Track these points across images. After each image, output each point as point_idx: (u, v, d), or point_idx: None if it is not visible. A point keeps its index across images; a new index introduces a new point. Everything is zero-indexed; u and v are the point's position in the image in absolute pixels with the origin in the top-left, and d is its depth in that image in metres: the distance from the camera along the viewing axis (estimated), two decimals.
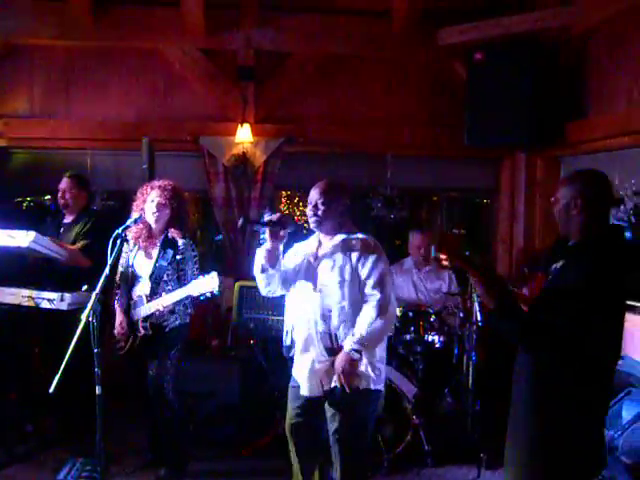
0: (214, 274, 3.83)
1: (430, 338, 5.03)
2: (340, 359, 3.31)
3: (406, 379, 4.76)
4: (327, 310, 3.40)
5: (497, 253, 6.63)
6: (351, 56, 6.35)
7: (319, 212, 3.43)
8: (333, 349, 3.38)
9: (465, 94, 5.89)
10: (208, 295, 3.87)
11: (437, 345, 5.04)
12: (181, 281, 4.17)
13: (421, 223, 7.39)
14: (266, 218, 3.37)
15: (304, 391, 3.48)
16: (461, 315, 5.02)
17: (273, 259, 3.41)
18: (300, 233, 3.70)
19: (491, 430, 4.59)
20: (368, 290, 3.40)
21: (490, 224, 6.97)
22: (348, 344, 3.31)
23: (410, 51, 6.22)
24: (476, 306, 4.73)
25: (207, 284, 3.83)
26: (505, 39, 5.64)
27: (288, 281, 3.56)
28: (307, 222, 3.57)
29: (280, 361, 5.00)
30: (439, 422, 4.87)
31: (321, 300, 3.41)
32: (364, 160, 6.54)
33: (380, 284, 3.39)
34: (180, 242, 4.22)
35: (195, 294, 3.90)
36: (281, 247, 3.44)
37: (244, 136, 6.00)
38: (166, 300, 4.03)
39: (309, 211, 3.47)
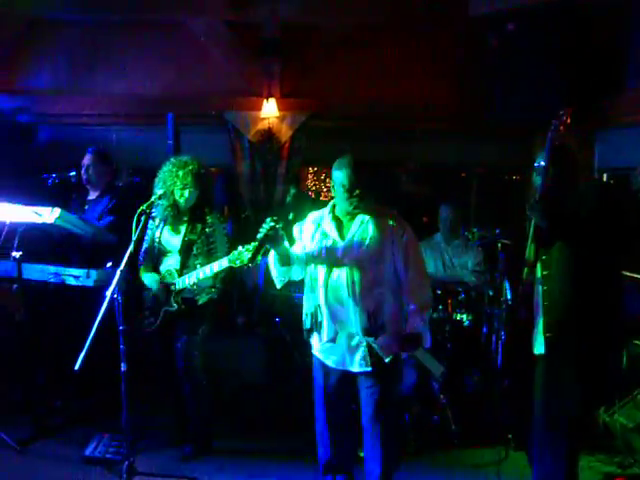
0: (254, 244, 3.75)
1: (458, 317, 4.95)
2: (410, 340, 3.37)
3: (434, 358, 4.69)
4: (364, 289, 3.35)
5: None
6: (378, 28, 6.21)
7: (354, 194, 3.34)
8: (371, 329, 3.35)
9: (496, 67, 5.73)
10: (249, 266, 3.79)
11: (465, 324, 4.96)
12: (212, 255, 4.10)
13: (450, 197, 7.24)
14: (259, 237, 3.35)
15: (354, 367, 3.43)
16: (490, 293, 4.93)
17: (286, 259, 3.46)
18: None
19: (519, 410, 4.53)
20: (405, 270, 3.39)
21: (520, 200, 6.82)
22: (415, 325, 3.35)
23: (439, 22, 6.07)
24: (506, 284, 4.64)
25: (247, 254, 3.74)
26: (537, 9, 5.45)
27: (307, 262, 3.52)
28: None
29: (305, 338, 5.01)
30: (466, 402, 4.81)
31: (356, 278, 3.36)
32: (391, 135, 6.43)
33: (416, 264, 3.43)
34: (208, 217, 4.17)
35: (236, 265, 3.80)
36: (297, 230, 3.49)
37: (270, 111, 5.93)
38: (206, 271, 3.96)
39: (343, 193, 3.36)
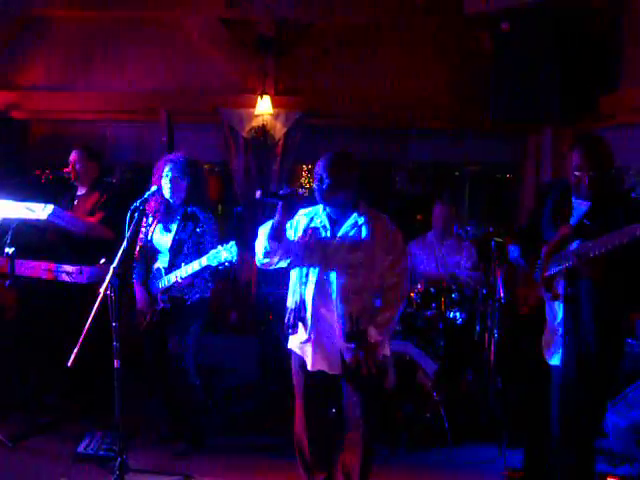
0: (232, 243, 3.77)
1: (451, 314, 4.96)
2: (366, 350, 3.28)
3: (427, 355, 4.70)
4: (348, 292, 3.32)
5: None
6: (373, 27, 6.20)
7: (324, 186, 3.32)
8: (353, 333, 3.30)
9: (491, 66, 5.73)
10: (227, 265, 3.81)
11: (458, 321, 4.98)
12: (201, 254, 4.11)
13: (445, 196, 7.26)
14: (282, 192, 3.30)
15: (326, 369, 3.40)
16: (484, 291, 4.94)
17: (280, 233, 3.34)
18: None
19: (512, 408, 4.54)
20: (391, 277, 3.36)
21: (514, 199, 6.84)
22: (374, 335, 3.28)
23: (434, 21, 6.07)
24: (499, 282, 4.65)
25: (226, 253, 3.77)
26: (533, 8, 5.45)
27: (291, 255, 3.46)
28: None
29: None
30: (459, 399, 4.82)
31: (347, 282, 3.32)
32: (386, 133, 6.43)
33: (404, 272, 3.40)
34: (200, 215, 4.17)
35: (213, 264, 3.84)
36: (288, 224, 3.41)
37: (264, 108, 5.92)
38: (184, 271, 3.99)
39: (315, 185, 3.37)
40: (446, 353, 4.92)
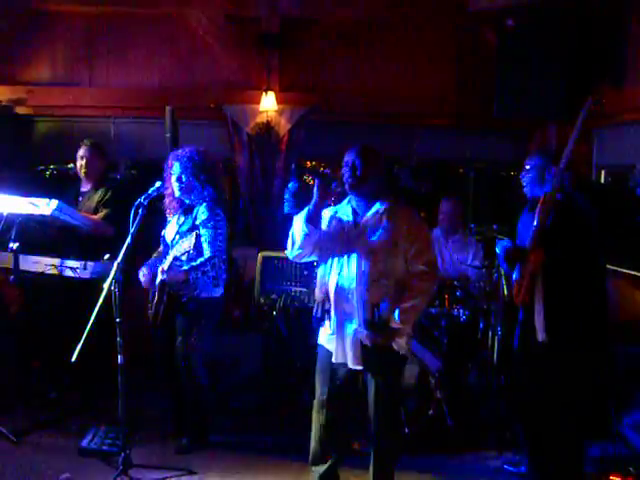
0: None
1: (455, 312, 4.95)
2: (385, 337, 3.31)
3: (430, 353, 4.70)
4: (372, 280, 3.32)
5: None
6: (378, 23, 6.19)
7: (358, 172, 3.34)
8: (373, 321, 3.30)
9: (495, 63, 5.72)
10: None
11: (462, 319, 4.96)
12: (198, 245, 4.03)
13: (450, 192, 7.25)
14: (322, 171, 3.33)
15: (349, 363, 3.39)
16: (487, 289, 4.93)
17: (316, 216, 3.36)
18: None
19: (515, 405, 4.54)
20: (418, 265, 3.35)
21: (518, 196, 6.81)
22: (394, 322, 3.28)
23: (439, 18, 6.06)
24: (502, 280, 4.64)
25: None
26: (537, 5, 5.44)
27: (320, 247, 3.46)
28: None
29: (302, 332, 5.01)
30: (462, 397, 4.82)
31: (365, 269, 3.32)
32: (390, 130, 6.42)
33: (431, 263, 3.39)
34: (199, 208, 4.14)
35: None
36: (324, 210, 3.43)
37: (268, 104, 5.91)
38: (177, 249, 3.93)
39: (346, 172, 3.37)
40: (449, 350, 4.91)
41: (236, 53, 6.11)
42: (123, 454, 3.77)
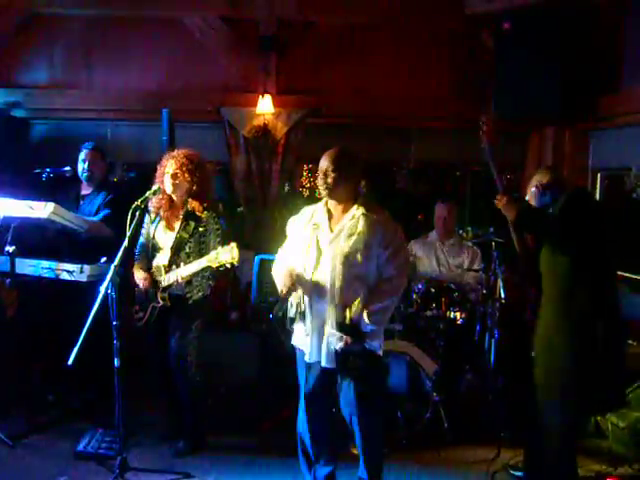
0: (233, 245, 3.75)
1: (452, 315, 4.95)
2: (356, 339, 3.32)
3: (427, 356, 4.70)
4: (346, 283, 3.34)
5: None
6: (375, 26, 6.20)
7: (329, 179, 3.38)
8: (344, 324, 3.33)
9: (492, 65, 5.73)
10: (228, 266, 3.80)
11: (459, 322, 4.96)
12: (202, 254, 4.08)
13: (446, 195, 7.26)
14: None
15: (322, 361, 3.42)
16: (484, 292, 4.93)
17: None
18: None
19: (512, 408, 4.54)
20: (390, 269, 3.38)
21: (515, 199, 6.81)
22: (363, 324, 3.31)
23: (436, 20, 6.07)
24: (500, 282, 4.64)
25: (226, 255, 3.76)
26: (534, 8, 5.45)
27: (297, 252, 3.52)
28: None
29: None
30: (459, 400, 4.82)
31: (339, 272, 3.35)
32: (388, 133, 6.43)
33: (402, 266, 3.43)
34: (203, 214, 4.15)
35: (214, 265, 3.82)
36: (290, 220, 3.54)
37: (265, 107, 5.92)
38: (185, 271, 3.98)
39: (319, 179, 3.42)
40: (446, 353, 4.91)
41: (233, 56, 6.11)
42: (120, 457, 3.77)
